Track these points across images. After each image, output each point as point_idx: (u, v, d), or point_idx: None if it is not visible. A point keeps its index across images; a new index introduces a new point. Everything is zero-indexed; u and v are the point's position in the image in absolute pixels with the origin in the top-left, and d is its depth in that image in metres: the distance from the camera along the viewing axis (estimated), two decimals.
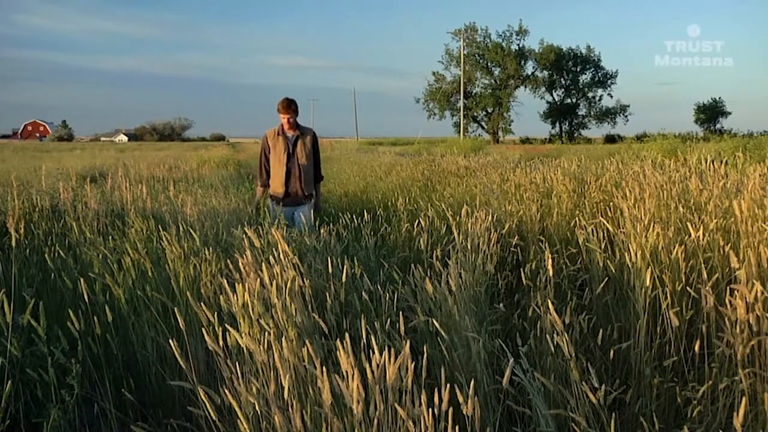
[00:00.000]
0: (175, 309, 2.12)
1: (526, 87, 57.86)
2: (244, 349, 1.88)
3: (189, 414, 2.12)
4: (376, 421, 1.57)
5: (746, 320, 1.95)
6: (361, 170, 11.34)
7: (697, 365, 2.27)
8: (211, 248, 2.97)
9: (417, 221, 3.83)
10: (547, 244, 3.35)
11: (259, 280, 2.19)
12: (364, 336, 1.91)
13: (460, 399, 1.56)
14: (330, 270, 2.63)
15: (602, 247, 3.03)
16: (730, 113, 55.21)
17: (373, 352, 1.63)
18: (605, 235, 3.25)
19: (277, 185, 5.13)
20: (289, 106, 5.01)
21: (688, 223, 2.95)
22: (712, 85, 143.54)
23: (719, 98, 55.21)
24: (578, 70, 58.25)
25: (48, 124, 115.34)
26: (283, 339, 1.83)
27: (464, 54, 53.65)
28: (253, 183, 9.01)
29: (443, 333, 2.11)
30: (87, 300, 2.41)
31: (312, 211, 5.18)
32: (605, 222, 3.15)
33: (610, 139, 51.10)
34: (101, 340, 2.41)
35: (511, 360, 1.74)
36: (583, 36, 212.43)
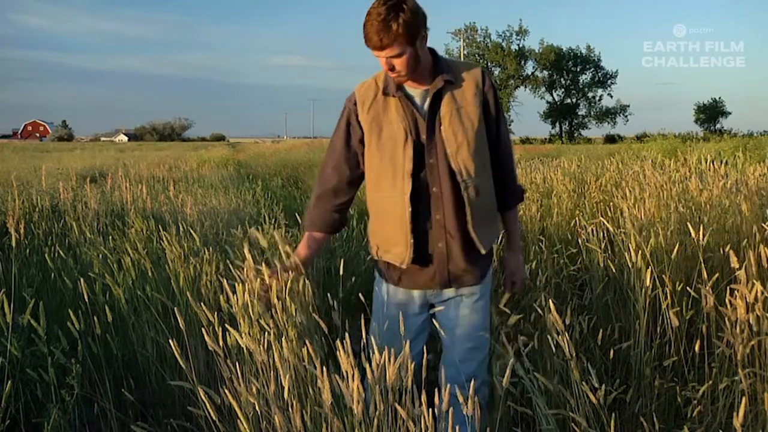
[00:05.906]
0: (175, 309, 2.12)
1: (526, 87, 57.84)
2: (244, 349, 1.88)
3: (189, 414, 2.11)
4: (376, 421, 1.57)
5: (746, 320, 1.95)
6: None
7: (697, 365, 2.27)
8: (211, 248, 2.97)
9: None
10: (547, 244, 3.35)
11: (259, 280, 2.19)
12: (364, 336, 1.91)
13: (461, 399, 1.56)
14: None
15: (602, 247, 3.03)
16: (730, 113, 55.30)
17: (373, 352, 1.63)
18: (605, 235, 3.25)
19: (392, 237, 1.90)
20: (400, 3, 1.66)
21: (688, 223, 2.95)
22: (712, 85, 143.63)
23: (719, 98, 55.30)
24: (578, 70, 58.18)
25: (48, 124, 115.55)
26: (283, 339, 1.83)
27: (464, 54, 53.63)
28: (254, 183, 8.91)
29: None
30: (87, 300, 2.41)
31: (488, 301, 2.03)
32: (605, 222, 3.15)
33: (610, 139, 51.00)
34: (101, 340, 2.41)
35: (511, 360, 1.74)
36: (584, 36, 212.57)
